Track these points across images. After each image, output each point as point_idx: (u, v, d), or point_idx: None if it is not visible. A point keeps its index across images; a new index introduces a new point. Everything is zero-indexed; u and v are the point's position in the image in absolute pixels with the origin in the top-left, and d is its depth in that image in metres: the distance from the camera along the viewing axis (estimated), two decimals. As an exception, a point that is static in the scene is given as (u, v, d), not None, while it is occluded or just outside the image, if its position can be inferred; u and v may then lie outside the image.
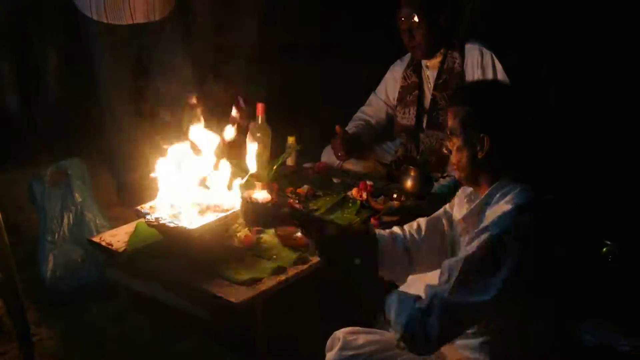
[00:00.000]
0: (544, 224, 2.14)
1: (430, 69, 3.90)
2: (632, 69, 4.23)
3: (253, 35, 5.21)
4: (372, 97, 4.18)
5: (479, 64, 3.73)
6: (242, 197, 2.70)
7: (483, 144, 2.21)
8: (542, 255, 2.12)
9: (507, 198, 2.18)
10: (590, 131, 4.27)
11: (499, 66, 3.69)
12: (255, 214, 2.56)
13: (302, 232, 2.50)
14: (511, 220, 2.10)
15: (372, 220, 3.25)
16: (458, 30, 3.87)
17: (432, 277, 2.34)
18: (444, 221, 2.53)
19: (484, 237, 2.09)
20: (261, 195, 2.73)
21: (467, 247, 2.13)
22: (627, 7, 4.21)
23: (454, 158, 2.31)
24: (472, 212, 2.30)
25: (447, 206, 2.56)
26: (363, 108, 4.18)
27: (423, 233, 2.53)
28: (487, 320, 2.17)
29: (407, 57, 4.01)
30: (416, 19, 3.69)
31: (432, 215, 2.57)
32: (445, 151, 2.35)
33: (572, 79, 4.36)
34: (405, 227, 2.57)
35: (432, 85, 3.88)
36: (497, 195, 2.22)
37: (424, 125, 3.92)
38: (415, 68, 3.95)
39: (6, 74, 4.70)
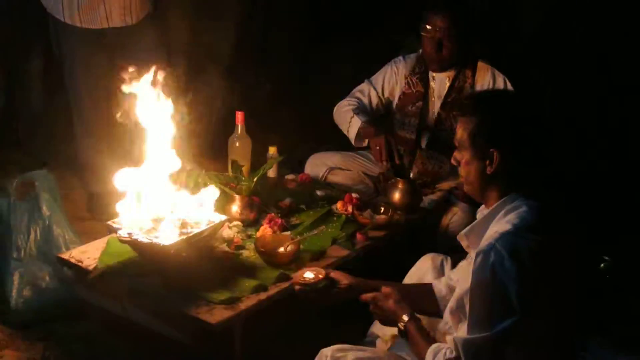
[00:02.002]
0: (541, 247, 2.10)
1: (438, 82, 3.81)
2: (630, 79, 4.20)
3: (232, 38, 5.08)
4: (366, 88, 4.00)
5: (490, 86, 3.70)
6: (294, 279, 2.65)
7: (492, 158, 2.18)
8: (539, 277, 2.09)
9: (510, 217, 2.16)
10: (586, 142, 4.25)
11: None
12: (313, 296, 2.59)
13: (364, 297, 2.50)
14: (508, 243, 2.06)
15: (358, 236, 3.18)
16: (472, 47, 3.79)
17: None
18: None
19: (479, 260, 2.06)
20: (310, 274, 2.64)
21: (467, 274, 2.12)
22: (623, 17, 4.19)
23: (462, 171, 2.29)
24: (475, 228, 2.29)
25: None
26: (361, 98, 3.97)
27: None
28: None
29: (412, 60, 3.90)
30: (447, 32, 3.60)
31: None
32: (454, 162, 2.31)
33: (568, 90, 4.32)
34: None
35: (436, 98, 3.80)
36: (502, 212, 2.19)
37: (425, 143, 3.82)
38: (421, 76, 3.83)
39: None
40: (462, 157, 2.26)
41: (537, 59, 4.45)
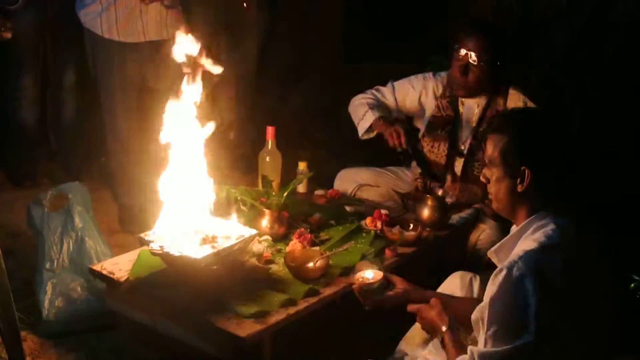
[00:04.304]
0: (567, 267, 2.09)
1: (466, 108, 3.76)
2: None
3: (256, 56, 5.11)
4: (387, 90, 3.93)
5: None
6: (354, 280, 2.72)
7: (523, 177, 2.16)
8: (563, 298, 2.08)
9: (537, 234, 2.14)
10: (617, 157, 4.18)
11: None
12: (369, 296, 2.66)
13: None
14: (532, 261, 2.05)
15: (387, 252, 3.17)
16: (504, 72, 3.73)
17: None
18: None
19: (500, 276, 2.06)
20: (370, 274, 2.70)
21: (488, 289, 2.11)
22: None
23: (491, 188, 2.27)
24: (504, 245, 2.27)
25: None
26: (378, 96, 3.92)
27: None
28: None
29: (443, 80, 3.82)
30: (475, 58, 3.55)
31: None
32: (483, 179, 2.30)
33: (597, 107, 4.26)
34: None
35: (465, 123, 3.75)
36: (531, 229, 2.17)
37: (459, 166, 3.77)
38: (451, 99, 3.77)
39: (28, 87, 4.65)
40: (492, 174, 2.25)
41: (568, 79, 4.40)
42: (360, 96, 3.91)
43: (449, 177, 3.79)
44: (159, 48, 4.04)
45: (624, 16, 4.29)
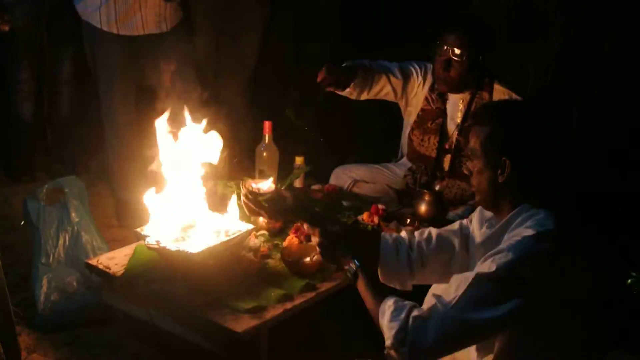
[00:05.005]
0: (563, 256, 2.08)
1: (451, 104, 3.76)
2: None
3: (255, 49, 5.10)
4: (393, 65, 3.85)
5: None
6: (244, 185, 2.72)
7: (504, 167, 2.15)
8: (559, 288, 2.06)
9: (529, 222, 2.12)
10: (615, 153, 4.18)
11: None
12: (257, 205, 2.63)
13: (308, 227, 2.53)
14: (530, 247, 2.03)
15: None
16: (489, 67, 3.72)
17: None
18: (458, 239, 2.46)
19: (498, 257, 2.03)
20: (265, 185, 2.72)
21: (482, 264, 2.07)
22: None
23: (474, 180, 2.26)
24: (491, 238, 2.24)
25: (464, 221, 2.49)
26: (381, 63, 3.85)
27: (432, 245, 2.48)
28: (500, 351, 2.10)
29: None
30: (456, 53, 3.54)
31: (446, 228, 2.52)
32: (466, 172, 2.30)
33: (596, 101, 4.26)
34: (416, 234, 2.52)
35: (449, 119, 3.75)
36: (518, 220, 2.16)
37: (446, 169, 3.76)
38: (440, 94, 3.77)
39: (25, 81, 4.65)
40: (474, 166, 2.24)
41: (566, 70, 4.39)
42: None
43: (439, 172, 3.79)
44: (158, 41, 4.03)
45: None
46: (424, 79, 3.82)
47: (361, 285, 2.27)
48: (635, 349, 3.05)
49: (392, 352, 2.04)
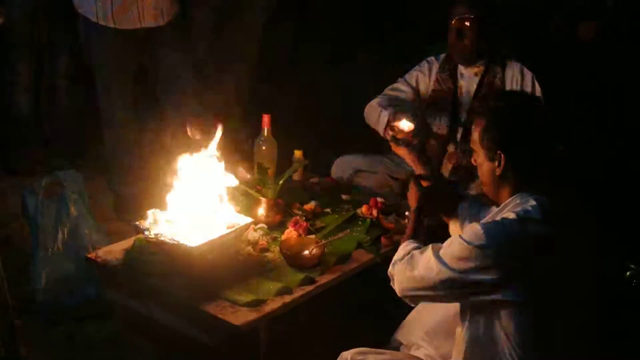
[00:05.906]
0: (544, 239, 2.13)
1: (466, 79, 3.81)
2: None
3: (257, 39, 5.09)
4: (401, 85, 3.93)
5: (518, 83, 3.70)
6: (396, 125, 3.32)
7: (500, 160, 2.21)
8: (547, 268, 2.14)
9: (516, 209, 2.18)
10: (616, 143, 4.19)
11: (538, 89, 3.67)
12: (394, 141, 3.30)
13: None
14: (510, 225, 2.12)
15: (383, 240, 3.15)
16: (499, 46, 3.79)
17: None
18: None
19: (473, 230, 2.14)
20: (405, 125, 3.33)
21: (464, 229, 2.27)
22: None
23: (479, 171, 2.33)
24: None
25: None
26: (392, 94, 3.90)
27: None
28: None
29: (443, 58, 3.89)
30: (467, 20, 3.63)
31: None
32: (474, 163, 2.35)
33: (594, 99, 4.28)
34: None
35: (465, 94, 3.79)
36: (510, 206, 2.22)
37: (459, 135, 3.80)
38: (451, 73, 3.83)
39: (22, 74, 4.62)
40: (477, 157, 2.31)
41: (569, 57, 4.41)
42: (372, 101, 3.89)
43: (451, 146, 3.81)
44: (156, 34, 4.02)
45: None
46: (430, 71, 3.89)
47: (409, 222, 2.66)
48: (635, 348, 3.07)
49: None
